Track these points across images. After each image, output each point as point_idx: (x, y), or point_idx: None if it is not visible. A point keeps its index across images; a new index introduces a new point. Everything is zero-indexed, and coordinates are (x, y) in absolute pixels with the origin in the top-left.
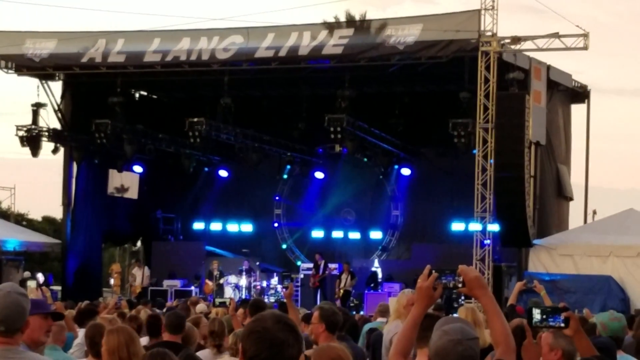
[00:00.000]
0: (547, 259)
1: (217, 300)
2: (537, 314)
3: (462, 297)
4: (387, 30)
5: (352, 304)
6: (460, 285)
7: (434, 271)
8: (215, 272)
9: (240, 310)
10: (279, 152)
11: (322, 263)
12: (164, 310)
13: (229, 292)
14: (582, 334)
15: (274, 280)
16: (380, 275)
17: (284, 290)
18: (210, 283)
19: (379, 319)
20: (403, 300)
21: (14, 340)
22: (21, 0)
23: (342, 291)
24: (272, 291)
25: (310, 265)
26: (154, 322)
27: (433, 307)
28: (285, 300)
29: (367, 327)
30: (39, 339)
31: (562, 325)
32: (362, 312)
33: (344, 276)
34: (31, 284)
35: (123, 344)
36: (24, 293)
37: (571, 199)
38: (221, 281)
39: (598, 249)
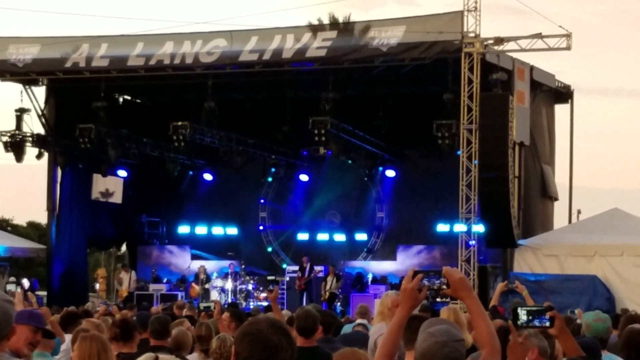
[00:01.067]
0: (532, 259)
1: (202, 305)
2: (522, 315)
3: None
4: (370, 32)
5: (340, 309)
6: (444, 287)
7: (418, 273)
8: (202, 276)
9: (226, 314)
10: (264, 155)
11: (308, 266)
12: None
13: (214, 296)
14: (567, 333)
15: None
16: (370, 277)
17: (269, 292)
18: (196, 287)
19: (359, 321)
20: (387, 302)
21: (0, 347)
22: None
23: (327, 294)
24: (258, 292)
25: (296, 268)
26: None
27: (419, 309)
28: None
29: (347, 328)
30: (21, 351)
31: (547, 325)
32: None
33: (329, 279)
34: (11, 287)
35: (94, 353)
36: (10, 300)
37: (556, 199)
38: (207, 285)
39: (583, 249)
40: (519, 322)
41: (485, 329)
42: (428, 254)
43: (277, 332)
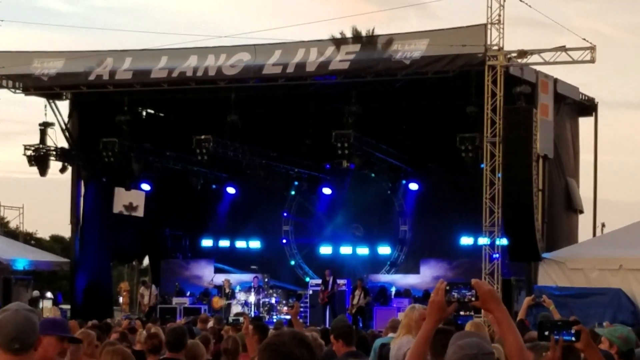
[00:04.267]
0: (556, 272)
1: (231, 318)
2: (548, 328)
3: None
4: (393, 46)
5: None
6: (473, 299)
7: (447, 285)
8: (228, 290)
9: (250, 327)
10: (287, 168)
11: (331, 279)
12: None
13: (237, 309)
14: (593, 347)
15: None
16: (394, 291)
17: (290, 308)
18: (219, 299)
19: (390, 334)
20: (415, 315)
21: (28, 357)
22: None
23: (355, 308)
24: (281, 306)
25: (319, 281)
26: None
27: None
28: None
29: (378, 342)
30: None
31: (574, 339)
32: (372, 328)
33: (357, 292)
34: (47, 303)
35: None
36: (33, 309)
37: (581, 211)
38: (230, 299)
39: (608, 262)
40: (545, 336)
41: (514, 341)
42: (452, 268)
43: (300, 344)
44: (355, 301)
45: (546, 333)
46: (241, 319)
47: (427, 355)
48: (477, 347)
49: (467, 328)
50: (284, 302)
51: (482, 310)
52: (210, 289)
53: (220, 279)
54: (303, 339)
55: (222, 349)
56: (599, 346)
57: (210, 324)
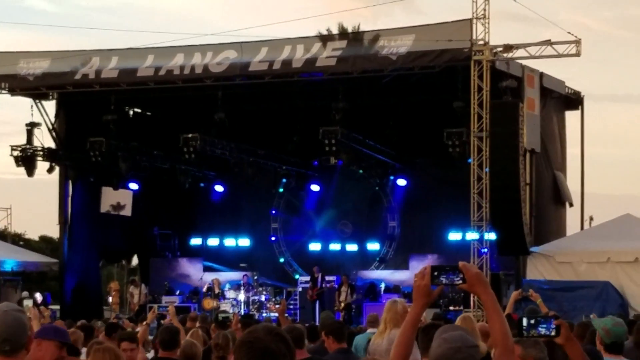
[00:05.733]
0: (545, 266)
1: (220, 316)
2: (527, 324)
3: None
4: (379, 42)
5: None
6: (460, 282)
7: (436, 269)
8: (217, 290)
9: (239, 325)
10: (274, 165)
11: (319, 276)
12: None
13: (227, 308)
14: (573, 342)
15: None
16: (383, 287)
17: (277, 306)
18: (210, 300)
19: (370, 330)
20: (399, 308)
21: (19, 358)
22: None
23: (343, 304)
24: (270, 303)
25: (308, 278)
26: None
27: (432, 317)
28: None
29: (359, 338)
30: None
31: (554, 334)
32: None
33: (343, 289)
34: (28, 303)
35: None
36: (22, 310)
37: (571, 204)
38: (221, 300)
39: (596, 255)
40: (523, 331)
41: (500, 326)
42: (440, 263)
43: (275, 339)
44: (342, 297)
45: (525, 330)
46: (230, 315)
47: (413, 341)
48: (460, 340)
49: (457, 322)
50: (274, 299)
51: (471, 306)
52: (199, 288)
53: (209, 277)
54: (279, 333)
55: (213, 345)
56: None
57: (199, 323)
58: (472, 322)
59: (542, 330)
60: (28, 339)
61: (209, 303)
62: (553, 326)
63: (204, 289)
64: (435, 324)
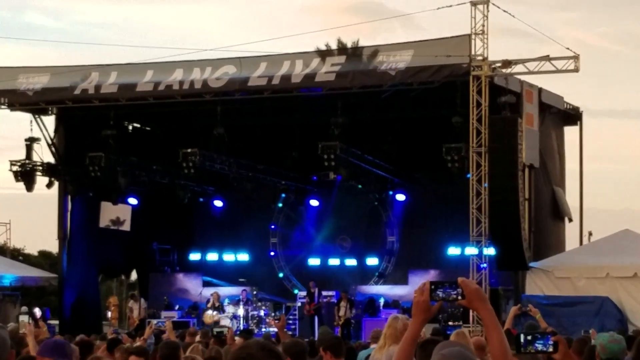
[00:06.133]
0: (544, 281)
1: (215, 330)
2: (524, 340)
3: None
4: (378, 57)
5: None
6: (459, 297)
7: (434, 284)
8: (217, 304)
9: (239, 339)
10: (274, 180)
11: (316, 290)
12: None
13: (226, 323)
14: (571, 358)
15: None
16: (382, 302)
17: (276, 321)
18: (211, 314)
19: (373, 346)
20: (399, 325)
21: None
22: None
23: (342, 319)
24: (269, 318)
25: (306, 293)
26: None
27: (431, 332)
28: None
29: (363, 354)
30: None
31: (551, 350)
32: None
33: (342, 304)
34: (23, 318)
35: None
36: (2, 326)
37: (571, 219)
38: (220, 314)
39: (595, 270)
40: (522, 347)
41: (498, 342)
42: (439, 278)
43: (268, 355)
44: (341, 313)
45: (522, 346)
46: (224, 330)
47: (412, 356)
48: (459, 356)
49: (452, 338)
50: (273, 314)
51: (470, 321)
52: (199, 302)
53: (208, 292)
54: (271, 349)
55: (207, 357)
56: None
57: (198, 337)
58: (467, 337)
59: (540, 346)
60: (10, 354)
61: (209, 317)
62: (551, 342)
63: (206, 304)
64: (434, 339)
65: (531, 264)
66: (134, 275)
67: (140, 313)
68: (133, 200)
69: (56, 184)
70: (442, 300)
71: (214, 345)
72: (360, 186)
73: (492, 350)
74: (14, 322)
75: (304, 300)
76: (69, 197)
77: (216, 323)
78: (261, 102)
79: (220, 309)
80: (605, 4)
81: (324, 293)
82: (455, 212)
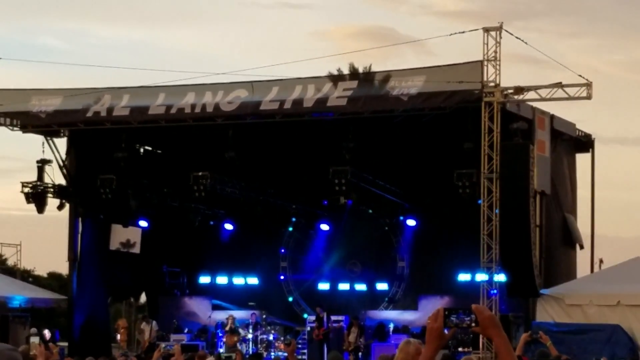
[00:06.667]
0: (554, 308)
1: (223, 355)
2: None
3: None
4: (390, 82)
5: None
6: (473, 324)
7: (447, 311)
8: (232, 326)
9: None
10: (284, 204)
11: (324, 315)
12: None
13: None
14: None
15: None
16: (392, 327)
17: (286, 345)
18: (231, 336)
19: None
20: (411, 350)
21: None
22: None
23: (352, 345)
24: (279, 342)
25: (314, 317)
26: None
27: (441, 358)
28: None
29: None
30: None
31: None
32: None
33: (353, 329)
34: (34, 340)
35: None
36: (14, 349)
37: (582, 246)
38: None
39: (606, 298)
40: None
41: None
42: (449, 304)
43: None
44: (352, 338)
45: None
46: (233, 355)
47: None
48: None
49: None
50: (282, 338)
51: (480, 347)
52: (208, 326)
53: (217, 316)
54: None
55: None
56: None
57: None
58: None
59: None
60: None
61: (231, 339)
62: None
63: (222, 327)
64: None
65: (542, 291)
66: (143, 298)
67: (151, 335)
68: (143, 223)
69: (67, 205)
70: (456, 327)
71: None
72: (370, 211)
73: None
74: (24, 344)
75: (313, 325)
76: (80, 219)
77: (238, 343)
78: (273, 126)
79: (235, 332)
80: (618, 31)
81: (333, 318)
82: (466, 238)
